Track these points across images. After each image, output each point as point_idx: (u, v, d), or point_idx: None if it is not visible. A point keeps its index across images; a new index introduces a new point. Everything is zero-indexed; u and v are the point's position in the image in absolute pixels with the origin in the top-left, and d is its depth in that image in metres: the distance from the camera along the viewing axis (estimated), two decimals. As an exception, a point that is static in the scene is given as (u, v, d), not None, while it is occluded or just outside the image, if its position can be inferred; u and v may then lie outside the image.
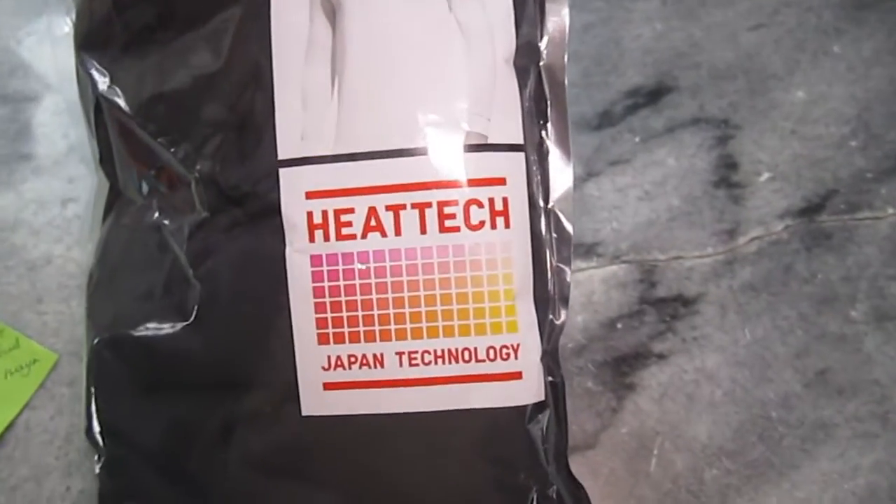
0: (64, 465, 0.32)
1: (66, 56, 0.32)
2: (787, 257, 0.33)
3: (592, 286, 0.33)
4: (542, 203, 0.28)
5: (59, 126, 0.35)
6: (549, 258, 0.28)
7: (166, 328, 0.27)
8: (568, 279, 0.28)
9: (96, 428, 0.28)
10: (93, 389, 0.28)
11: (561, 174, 0.29)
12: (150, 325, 0.27)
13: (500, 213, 0.26)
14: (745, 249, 0.33)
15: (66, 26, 0.33)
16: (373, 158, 0.26)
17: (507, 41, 0.27)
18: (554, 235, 0.28)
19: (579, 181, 0.34)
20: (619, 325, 0.32)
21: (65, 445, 0.32)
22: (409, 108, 0.26)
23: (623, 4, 0.37)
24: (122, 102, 0.28)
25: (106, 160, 0.30)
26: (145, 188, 0.28)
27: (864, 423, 0.32)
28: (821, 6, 0.37)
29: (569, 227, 0.28)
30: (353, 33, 0.26)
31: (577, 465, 0.28)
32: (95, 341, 0.28)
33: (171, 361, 0.27)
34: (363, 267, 0.26)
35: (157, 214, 0.28)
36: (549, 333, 0.27)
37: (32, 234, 0.34)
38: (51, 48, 0.37)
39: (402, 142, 0.26)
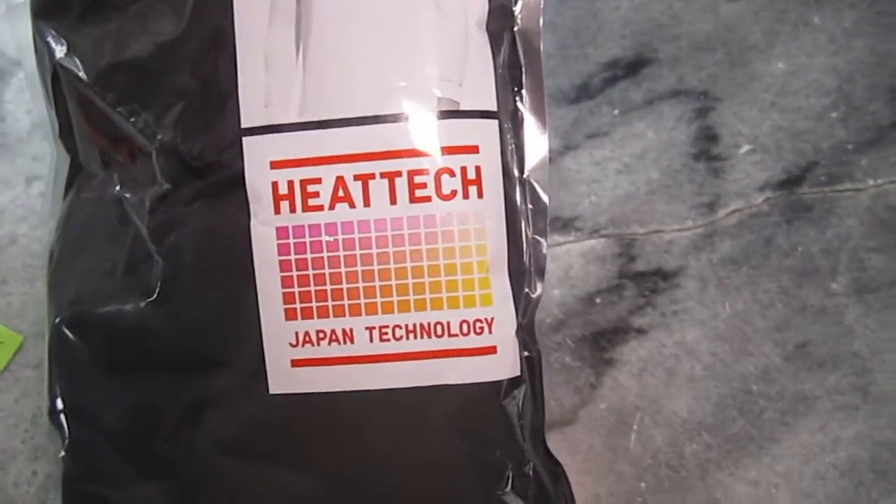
0: (30, 449, 0.31)
1: (24, 27, 0.31)
2: (768, 230, 0.33)
3: (570, 260, 0.32)
4: (516, 173, 0.27)
5: (23, 103, 0.34)
6: (525, 230, 0.27)
7: (129, 306, 0.26)
8: (544, 251, 0.28)
9: (59, 408, 0.27)
10: (54, 370, 0.27)
11: (536, 143, 0.28)
12: (113, 302, 0.26)
13: (472, 183, 0.25)
14: (725, 222, 0.33)
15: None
16: (340, 126, 0.25)
17: (479, 4, 0.26)
18: (529, 206, 0.27)
19: (557, 154, 0.33)
20: (598, 300, 0.32)
21: (31, 429, 0.31)
22: (377, 74, 0.25)
23: (601, -25, 0.36)
24: (80, 72, 0.27)
25: (65, 132, 0.28)
26: (106, 160, 0.27)
27: (845, 396, 0.31)
28: (801, -24, 0.37)
29: (544, 197, 0.28)
30: None
31: (556, 442, 0.28)
32: (56, 320, 0.27)
33: (135, 340, 0.26)
34: (331, 239, 0.25)
35: (118, 187, 0.27)
36: (524, 307, 0.27)
37: (-4, 214, 0.33)
38: (8, 20, 0.36)
39: (370, 108, 0.25)
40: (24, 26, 0.30)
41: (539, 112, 0.28)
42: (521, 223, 0.27)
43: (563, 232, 0.32)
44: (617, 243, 0.32)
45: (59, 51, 0.27)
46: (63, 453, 0.27)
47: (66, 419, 0.27)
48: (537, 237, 0.28)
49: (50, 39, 0.27)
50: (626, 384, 0.31)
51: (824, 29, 0.36)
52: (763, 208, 0.33)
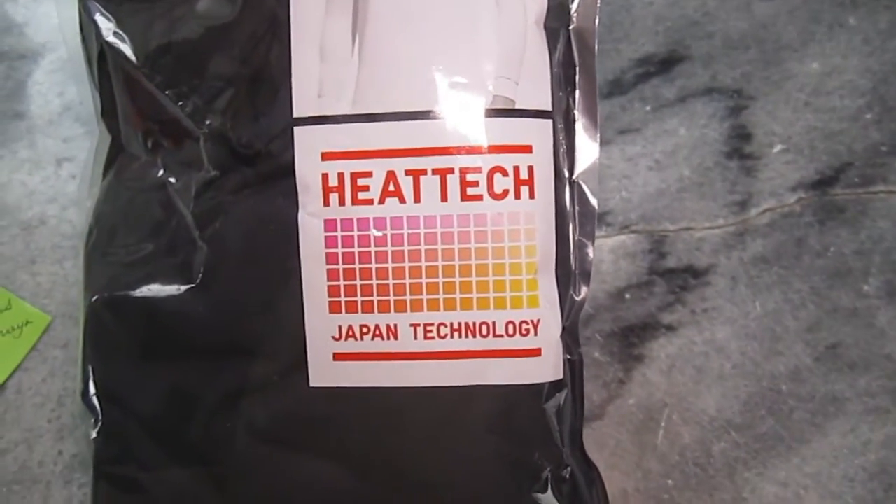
0: (56, 429, 0.31)
1: (65, 8, 0.31)
2: (800, 230, 0.32)
3: (601, 256, 0.32)
4: (567, 174, 0.27)
5: (55, 84, 0.34)
6: (572, 232, 0.27)
7: (170, 290, 0.26)
8: (590, 254, 0.27)
9: (92, 391, 0.27)
10: (89, 351, 0.27)
11: (587, 145, 0.27)
12: (152, 286, 0.26)
13: (524, 183, 0.25)
14: (757, 221, 0.33)
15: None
16: (393, 120, 0.24)
17: (539, 1, 0.26)
18: (577, 208, 0.27)
19: (589, 149, 0.33)
20: (628, 296, 0.32)
21: (57, 409, 0.31)
22: (434, 68, 0.24)
23: (635, -29, 0.36)
24: (128, 51, 0.26)
25: (108, 112, 0.28)
26: (150, 143, 0.27)
27: (876, 398, 0.31)
28: (837, -23, 0.36)
29: (593, 200, 0.27)
30: None
31: (584, 437, 0.28)
32: (93, 300, 0.27)
33: (174, 325, 0.26)
34: (379, 234, 0.25)
35: (161, 171, 0.26)
36: (568, 309, 0.27)
37: (26, 195, 0.33)
38: (51, 2, 0.36)
39: (424, 103, 0.24)
40: (66, 8, 0.30)
41: (591, 113, 0.28)
42: (569, 225, 0.27)
43: (593, 226, 0.32)
44: (647, 239, 0.32)
45: (107, 29, 0.27)
46: (95, 435, 0.27)
47: (99, 401, 0.27)
48: (584, 240, 0.27)
49: (98, 16, 0.27)
50: (654, 381, 0.31)
51: (859, 30, 0.36)
52: (795, 208, 0.33)
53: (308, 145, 0.25)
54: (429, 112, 0.24)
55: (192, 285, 0.25)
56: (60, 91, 0.34)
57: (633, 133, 0.33)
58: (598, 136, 0.28)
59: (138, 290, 0.26)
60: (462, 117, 0.24)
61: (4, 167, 0.33)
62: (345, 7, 0.25)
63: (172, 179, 0.26)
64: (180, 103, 0.26)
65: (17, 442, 0.31)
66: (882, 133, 0.34)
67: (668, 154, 0.33)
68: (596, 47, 0.28)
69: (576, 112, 0.27)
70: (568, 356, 0.26)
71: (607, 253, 0.32)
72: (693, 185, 0.33)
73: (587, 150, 0.27)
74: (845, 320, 0.32)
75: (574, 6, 0.27)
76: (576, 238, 0.27)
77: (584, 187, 0.27)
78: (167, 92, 0.26)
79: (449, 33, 0.25)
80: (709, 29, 0.35)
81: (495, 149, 0.25)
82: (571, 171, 0.27)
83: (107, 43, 0.27)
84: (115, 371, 0.27)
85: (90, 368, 0.27)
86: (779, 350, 0.31)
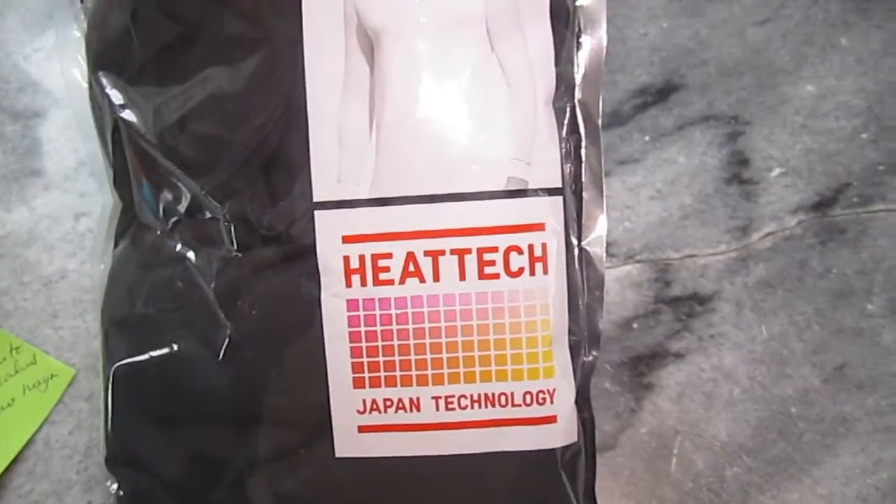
0: (84, 480, 0.32)
1: (73, 69, 0.32)
2: (802, 252, 0.33)
3: (607, 286, 0.33)
4: (575, 243, 0.27)
5: (69, 141, 0.35)
6: (582, 299, 0.28)
7: (191, 361, 0.26)
8: (599, 319, 0.28)
9: (115, 458, 0.27)
10: (111, 418, 0.27)
11: (594, 214, 0.28)
12: (174, 356, 0.26)
13: (539, 259, 0.26)
14: (759, 246, 0.33)
15: (74, 37, 0.33)
16: (411, 203, 0.25)
17: (547, 81, 0.26)
18: (586, 274, 0.28)
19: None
20: (636, 325, 0.32)
21: (84, 460, 0.32)
22: (449, 152, 0.25)
23: (628, 2, 0.37)
24: (142, 128, 0.27)
25: (120, 182, 0.29)
26: (167, 217, 0.28)
27: (885, 417, 0.31)
28: (827, -1, 0.37)
29: (600, 268, 0.28)
30: (393, 72, 0.25)
31: (598, 467, 0.28)
32: (114, 367, 0.27)
33: (196, 394, 0.26)
34: (401, 312, 0.25)
35: (179, 246, 0.27)
36: (580, 372, 0.27)
37: (46, 250, 0.34)
38: (59, 62, 0.37)
39: (441, 186, 0.25)
40: (75, 69, 0.31)
41: (597, 183, 0.28)
42: (579, 293, 0.27)
43: (598, 258, 0.33)
44: (652, 268, 0.33)
45: (119, 105, 0.27)
46: (116, 501, 0.27)
47: (122, 467, 0.27)
48: (593, 304, 0.28)
49: (109, 92, 0.27)
50: (665, 408, 0.32)
51: (852, 50, 0.36)
52: (796, 231, 0.33)
53: (329, 229, 0.25)
54: (446, 195, 0.25)
55: (215, 359, 0.26)
56: (75, 147, 0.35)
57: (634, 163, 0.34)
58: (605, 204, 0.29)
59: (160, 360, 0.27)
60: (477, 199, 0.25)
61: (24, 224, 0.34)
62: (361, 92, 0.25)
63: (191, 255, 0.27)
64: (198, 183, 0.26)
65: (48, 494, 0.32)
66: (879, 152, 0.34)
67: (668, 183, 0.34)
68: (601, 119, 0.28)
69: (583, 183, 0.28)
70: (581, 417, 0.27)
71: (613, 283, 0.33)
72: (695, 212, 0.34)
73: (594, 219, 0.28)
74: (851, 340, 0.32)
75: (578, 79, 0.28)
76: (585, 303, 0.28)
77: (592, 255, 0.28)
78: (185, 171, 0.26)
79: (462, 118, 0.25)
80: (703, 57, 0.36)
81: (510, 229, 0.25)
82: (580, 240, 0.28)
83: (121, 118, 0.27)
84: (138, 437, 0.27)
85: (113, 436, 0.27)
86: (786, 373, 0.32)
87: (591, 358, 0.27)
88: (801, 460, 0.31)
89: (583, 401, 0.27)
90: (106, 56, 0.28)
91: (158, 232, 0.28)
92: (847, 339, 0.32)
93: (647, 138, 0.34)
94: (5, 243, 0.34)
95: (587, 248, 0.28)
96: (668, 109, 0.35)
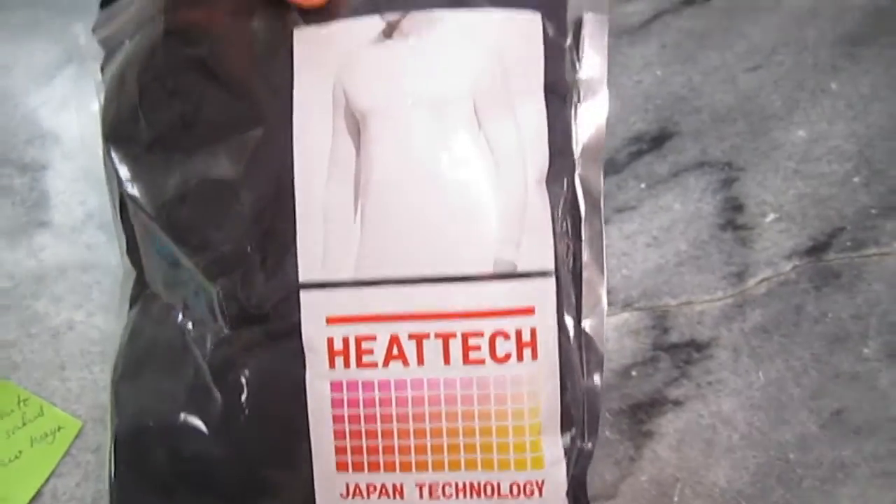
0: (91, 532, 0.32)
1: (86, 123, 0.32)
2: (797, 297, 0.33)
3: (606, 334, 0.33)
4: (573, 324, 0.27)
5: (76, 193, 0.36)
6: (579, 380, 0.27)
7: (189, 431, 0.26)
8: (599, 400, 0.27)
9: None
10: (115, 481, 0.28)
11: (594, 292, 0.27)
12: (174, 424, 0.27)
13: (527, 345, 0.25)
14: (755, 291, 0.34)
15: (86, 96, 0.33)
16: (395, 285, 0.25)
17: (539, 160, 0.26)
18: (585, 356, 0.27)
19: (588, 229, 0.34)
20: (634, 373, 0.33)
21: (91, 512, 0.32)
22: (434, 234, 0.25)
23: (622, 50, 0.38)
24: (144, 202, 0.27)
25: (132, 250, 0.29)
26: (168, 287, 0.28)
27: (883, 462, 0.32)
28: (817, 44, 0.38)
29: (601, 348, 0.27)
30: (378, 153, 0.25)
31: (599, 516, 0.29)
32: (119, 432, 0.28)
33: (193, 464, 0.27)
34: (384, 395, 0.25)
35: (181, 317, 0.27)
36: (576, 459, 0.26)
37: (54, 302, 0.34)
38: (68, 114, 0.38)
39: (426, 269, 0.25)
40: (87, 123, 0.32)
41: (598, 261, 0.27)
42: (576, 375, 0.26)
43: (597, 306, 0.33)
44: (650, 316, 0.33)
45: (126, 179, 0.28)
46: None
47: None
48: (592, 387, 0.27)
49: (118, 165, 0.28)
50: (665, 456, 0.32)
51: (842, 95, 0.37)
52: (791, 276, 0.34)
53: (314, 310, 0.25)
54: (430, 277, 0.25)
55: (208, 430, 0.26)
56: (82, 199, 0.36)
57: (630, 211, 0.35)
58: (605, 283, 0.27)
59: (161, 427, 0.27)
60: (463, 282, 0.25)
61: (32, 276, 0.35)
62: (346, 174, 0.25)
63: (190, 326, 0.27)
64: (194, 259, 0.26)
65: (55, 546, 0.32)
66: (871, 196, 0.35)
67: (664, 230, 0.34)
68: (602, 195, 0.27)
69: (582, 261, 0.27)
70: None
71: (612, 331, 0.33)
72: (690, 258, 0.34)
73: (595, 298, 0.27)
74: (848, 385, 0.32)
75: (578, 153, 0.27)
76: (584, 387, 0.27)
77: (592, 336, 0.27)
78: (181, 246, 0.27)
79: (449, 199, 0.25)
80: (696, 104, 0.37)
81: (497, 313, 0.25)
82: (578, 321, 0.27)
83: (126, 193, 0.28)
84: (139, 498, 0.27)
85: (117, 490, 0.28)
86: (785, 418, 0.32)
87: (588, 445, 0.27)
88: (801, 507, 0.32)
89: (578, 489, 0.27)
90: (117, 131, 0.28)
91: (164, 301, 0.28)
92: (844, 383, 0.32)
93: (642, 185, 0.35)
94: (13, 295, 0.35)
95: (587, 329, 0.27)
96: (662, 156, 0.36)
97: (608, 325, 0.33)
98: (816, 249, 0.34)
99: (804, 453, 0.32)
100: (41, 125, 0.38)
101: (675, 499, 0.31)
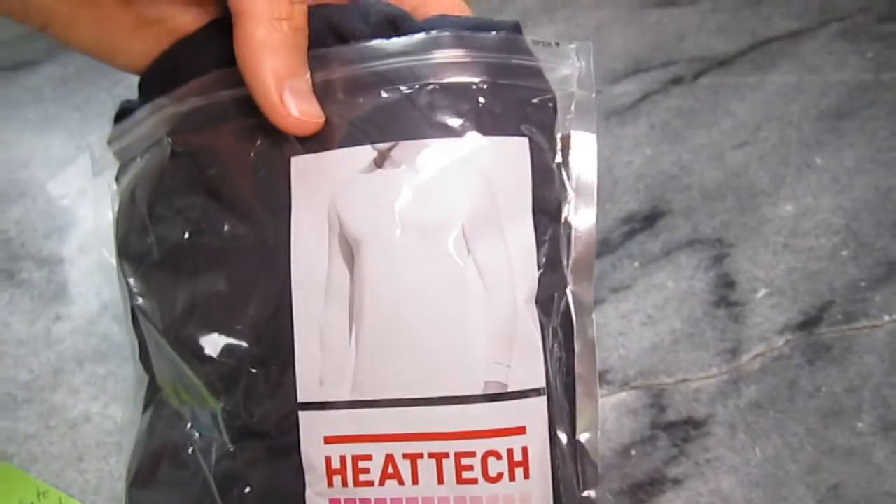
0: None
1: (100, 214, 0.34)
2: (791, 372, 0.34)
3: (604, 414, 0.34)
4: (566, 439, 0.27)
5: (92, 286, 0.38)
6: (575, 495, 0.27)
7: None
8: None
9: None
10: None
11: (588, 405, 0.28)
12: None
13: (518, 464, 0.25)
14: (749, 367, 0.35)
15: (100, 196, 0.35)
16: (390, 406, 0.26)
17: (528, 280, 0.26)
18: (580, 468, 0.27)
19: (584, 310, 0.35)
20: (633, 452, 0.34)
21: None
22: (426, 357, 0.25)
23: (613, 132, 0.39)
24: (154, 318, 0.29)
25: (144, 356, 0.31)
26: (178, 396, 0.29)
27: (881, 537, 0.32)
28: (801, 119, 0.39)
29: (595, 459, 0.28)
30: (371, 279, 0.26)
31: None
32: None
33: None
34: None
35: (189, 425, 0.28)
36: None
37: (72, 393, 0.36)
38: (83, 209, 0.40)
39: (419, 390, 0.26)
40: (101, 214, 0.33)
41: (591, 374, 0.28)
42: (570, 490, 0.27)
43: (595, 387, 0.34)
44: (647, 394, 0.34)
45: (137, 293, 0.29)
46: None
47: None
48: (589, 498, 0.27)
49: (129, 280, 0.29)
50: (666, 536, 0.33)
51: (827, 169, 0.38)
52: (784, 350, 0.35)
53: (312, 429, 0.26)
54: (423, 399, 0.26)
55: None
56: (98, 291, 0.38)
57: (625, 290, 0.36)
58: (597, 397, 0.28)
59: None
60: (455, 404, 0.26)
61: (50, 368, 0.36)
62: (342, 299, 0.26)
63: (197, 436, 0.28)
64: (198, 375, 0.28)
65: None
66: (859, 269, 0.36)
67: (658, 308, 0.36)
68: (594, 311, 0.28)
69: (575, 379, 0.27)
70: None
71: (610, 411, 0.34)
72: (685, 336, 0.35)
73: (589, 410, 0.28)
74: (843, 459, 0.33)
75: (569, 268, 0.27)
76: (579, 497, 0.27)
77: (587, 448, 0.28)
78: (187, 361, 0.28)
79: (440, 324, 0.26)
80: (686, 181, 0.38)
81: (488, 433, 0.26)
82: (573, 434, 0.27)
83: (137, 306, 0.29)
84: None
85: None
86: (782, 495, 0.33)
87: None
88: (802, 585, 0.32)
89: None
90: (128, 245, 0.30)
91: (174, 409, 0.29)
92: (839, 458, 0.33)
93: (636, 264, 0.36)
94: (33, 387, 0.36)
95: (582, 441, 0.28)
96: (655, 235, 0.37)
97: (606, 405, 0.34)
98: (808, 323, 0.35)
99: (803, 530, 0.32)
100: (58, 219, 0.40)
101: (678, 579, 0.32)
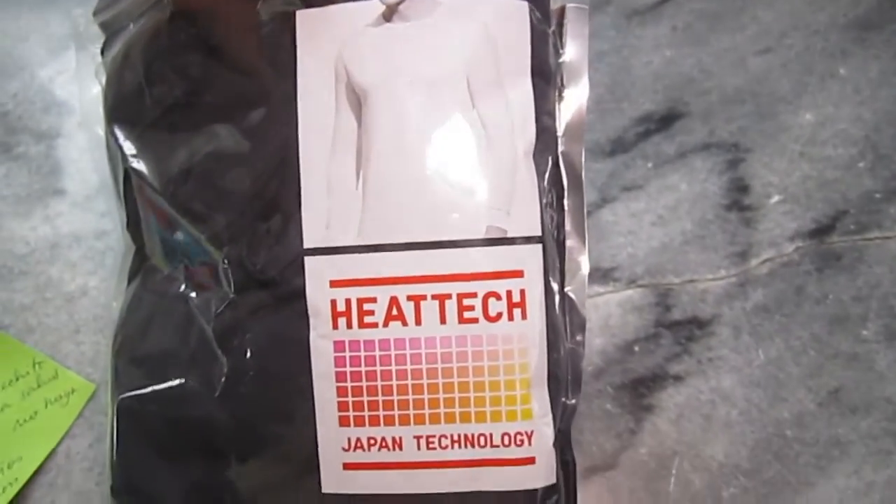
0: (104, 492, 0.33)
1: (92, 95, 0.33)
2: (799, 278, 0.34)
3: (609, 310, 0.34)
4: (557, 288, 0.29)
5: (91, 161, 0.37)
6: (563, 341, 0.29)
7: (192, 396, 0.28)
8: (581, 360, 0.29)
9: (120, 488, 0.29)
10: (117, 448, 0.29)
11: (576, 260, 0.30)
12: (176, 391, 0.28)
13: (517, 305, 0.27)
14: (758, 271, 0.34)
15: (93, 65, 0.34)
16: (395, 250, 0.26)
17: (527, 134, 0.28)
18: (568, 319, 0.29)
19: (594, 207, 0.35)
20: (636, 348, 0.33)
21: (104, 472, 0.33)
22: (431, 202, 0.27)
23: (634, 32, 0.38)
24: (150, 177, 0.28)
25: (132, 225, 0.30)
26: (171, 259, 0.29)
27: (878, 441, 0.32)
28: (827, 29, 0.38)
29: (582, 311, 0.29)
30: (379, 126, 0.27)
31: (598, 486, 0.29)
32: (120, 398, 0.29)
33: (195, 427, 0.28)
34: (384, 354, 0.27)
35: (183, 286, 0.28)
36: (561, 415, 0.28)
37: (69, 267, 0.35)
38: (78, 88, 0.38)
39: (423, 234, 0.26)
40: (93, 95, 0.32)
41: (580, 231, 0.30)
42: (560, 336, 0.28)
43: (602, 282, 0.34)
44: (653, 293, 0.34)
45: (130, 155, 0.29)
46: None
47: (128, 497, 0.29)
48: (575, 348, 0.29)
49: (122, 143, 0.29)
50: (664, 430, 0.33)
51: (850, 80, 0.37)
52: (794, 257, 0.34)
53: (318, 274, 0.27)
54: (427, 243, 0.26)
55: (213, 394, 0.27)
56: (96, 167, 0.37)
57: (637, 190, 0.35)
58: (587, 251, 0.30)
59: (163, 394, 0.28)
60: (458, 247, 0.27)
61: (48, 241, 0.36)
62: (349, 146, 0.27)
63: (193, 295, 0.28)
64: (199, 229, 0.28)
65: (68, 504, 0.33)
66: (875, 180, 0.35)
67: (670, 209, 0.35)
68: (583, 170, 0.30)
69: (565, 230, 0.29)
70: (562, 457, 0.28)
71: (615, 307, 0.34)
72: (695, 238, 0.35)
73: (576, 265, 0.29)
74: (846, 365, 0.33)
75: (561, 131, 0.29)
76: (567, 347, 0.29)
77: (575, 300, 0.29)
78: (186, 218, 0.28)
79: (444, 170, 0.27)
80: (706, 85, 0.37)
81: (489, 275, 0.27)
82: (562, 285, 0.29)
83: (132, 167, 0.29)
84: (140, 467, 0.28)
85: (119, 465, 0.28)
86: (783, 396, 0.33)
87: (573, 401, 0.28)
88: (796, 482, 0.32)
89: (564, 442, 0.28)
90: (120, 110, 0.29)
91: (166, 273, 0.29)
92: (842, 363, 0.33)
93: (650, 165, 0.36)
94: (29, 260, 0.35)
95: (570, 293, 0.29)
96: (670, 137, 0.36)
97: (612, 301, 0.34)
98: (820, 231, 0.35)
99: (801, 430, 0.32)
100: (56, 94, 0.38)
101: (674, 471, 0.32)
